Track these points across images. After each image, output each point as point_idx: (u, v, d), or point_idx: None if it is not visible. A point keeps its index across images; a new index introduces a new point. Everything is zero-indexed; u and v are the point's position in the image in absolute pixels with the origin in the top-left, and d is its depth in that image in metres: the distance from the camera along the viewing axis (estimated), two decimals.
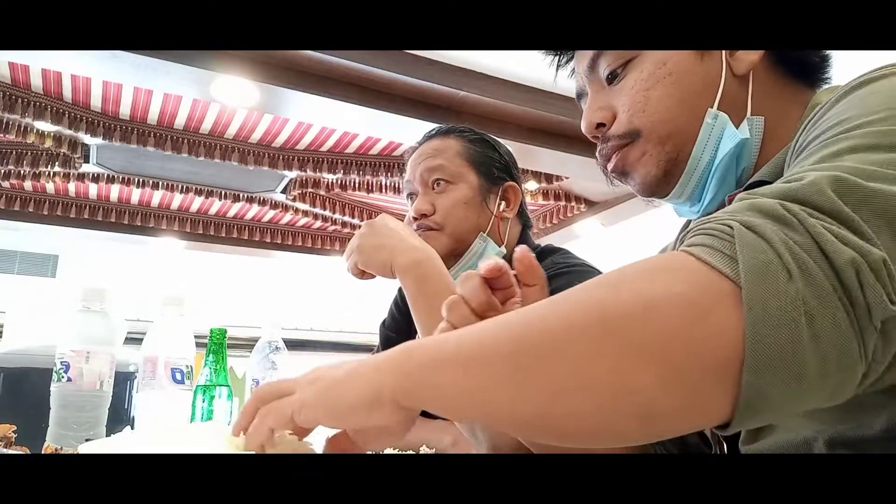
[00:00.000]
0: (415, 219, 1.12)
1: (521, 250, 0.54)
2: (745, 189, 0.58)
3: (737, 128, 0.60)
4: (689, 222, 0.77)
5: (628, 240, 4.03)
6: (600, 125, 0.66)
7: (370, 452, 0.47)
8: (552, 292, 1.03)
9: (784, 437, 0.55)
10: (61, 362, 0.96)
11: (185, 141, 3.27)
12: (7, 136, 3.09)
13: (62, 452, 0.87)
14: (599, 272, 1.05)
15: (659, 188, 0.64)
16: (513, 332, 0.38)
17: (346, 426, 0.44)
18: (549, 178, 3.63)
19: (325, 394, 0.43)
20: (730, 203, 0.58)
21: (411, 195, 1.16)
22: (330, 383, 0.43)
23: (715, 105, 0.60)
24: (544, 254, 1.11)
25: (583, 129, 0.68)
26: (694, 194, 0.64)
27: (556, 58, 0.72)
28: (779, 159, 0.57)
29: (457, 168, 1.12)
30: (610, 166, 0.66)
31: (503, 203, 1.14)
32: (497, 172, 1.15)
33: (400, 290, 1.16)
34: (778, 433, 0.56)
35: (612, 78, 0.65)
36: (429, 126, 2.72)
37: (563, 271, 1.01)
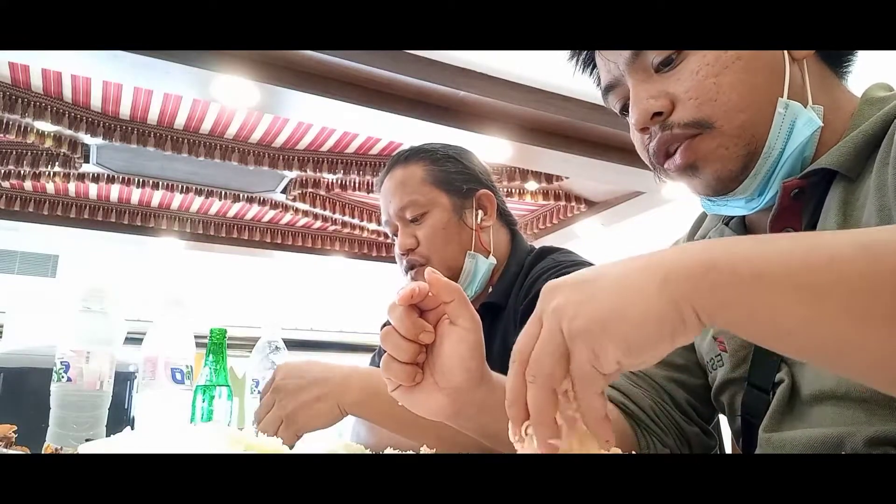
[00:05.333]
0: (402, 255, 1.12)
1: (427, 272, 0.54)
2: (804, 177, 0.58)
3: None
4: (704, 214, 0.76)
5: (628, 240, 4.03)
6: (657, 114, 0.61)
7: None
8: None
9: (816, 432, 0.54)
10: (61, 362, 0.95)
11: (185, 141, 3.26)
12: (7, 136, 3.09)
13: (62, 452, 0.87)
14: None
15: (731, 184, 0.60)
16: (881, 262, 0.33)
17: (647, 361, 0.38)
18: (549, 178, 3.63)
19: (612, 328, 0.36)
20: (785, 190, 0.59)
21: (394, 234, 1.15)
22: (607, 311, 0.37)
23: (785, 93, 0.58)
24: (543, 253, 1.11)
25: (634, 119, 0.62)
26: (758, 189, 0.61)
27: (579, 54, 0.69)
28: (846, 149, 0.56)
29: (425, 196, 1.11)
30: (675, 160, 0.61)
31: (480, 213, 1.14)
32: (466, 185, 1.13)
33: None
34: (810, 425, 0.56)
35: (665, 64, 0.60)
36: (429, 126, 2.74)
37: (570, 270, 1.01)
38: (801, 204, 0.60)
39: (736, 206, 0.63)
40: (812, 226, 0.59)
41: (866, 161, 0.56)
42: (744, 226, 0.69)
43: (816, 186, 0.59)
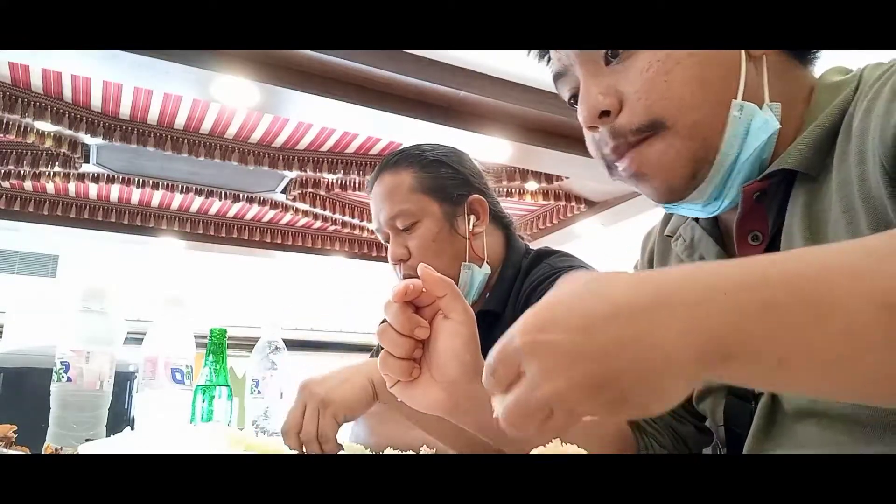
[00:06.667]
0: (394, 264, 1.09)
1: (420, 268, 0.55)
2: (764, 179, 0.56)
3: None
4: (670, 215, 0.73)
5: (628, 240, 4.02)
6: (604, 113, 0.57)
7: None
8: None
9: (799, 452, 0.53)
10: (61, 362, 0.96)
11: (185, 141, 3.26)
12: (7, 136, 3.09)
13: (62, 452, 0.87)
14: None
15: (683, 192, 0.57)
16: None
17: (669, 408, 0.35)
18: (549, 178, 3.63)
19: (642, 381, 0.33)
20: (746, 194, 0.56)
21: (387, 241, 1.12)
22: (632, 362, 0.33)
23: (739, 94, 0.54)
24: (540, 257, 1.08)
25: (582, 117, 0.59)
26: (712, 194, 0.57)
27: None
28: (804, 147, 0.54)
29: (415, 204, 1.07)
30: (623, 165, 0.58)
31: (472, 218, 1.10)
32: (456, 191, 1.09)
33: None
34: (795, 444, 0.55)
35: (615, 56, 0.57)
36: (429, 126, 2.74)
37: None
38: (765, 206, 0.58)
39: (692, 209, 0.61)
40: (778, 228, 0.57)
41: (826, 155, 0.53)
42: (716, 223, 0.67)
43: (778, 186, 0.57)
